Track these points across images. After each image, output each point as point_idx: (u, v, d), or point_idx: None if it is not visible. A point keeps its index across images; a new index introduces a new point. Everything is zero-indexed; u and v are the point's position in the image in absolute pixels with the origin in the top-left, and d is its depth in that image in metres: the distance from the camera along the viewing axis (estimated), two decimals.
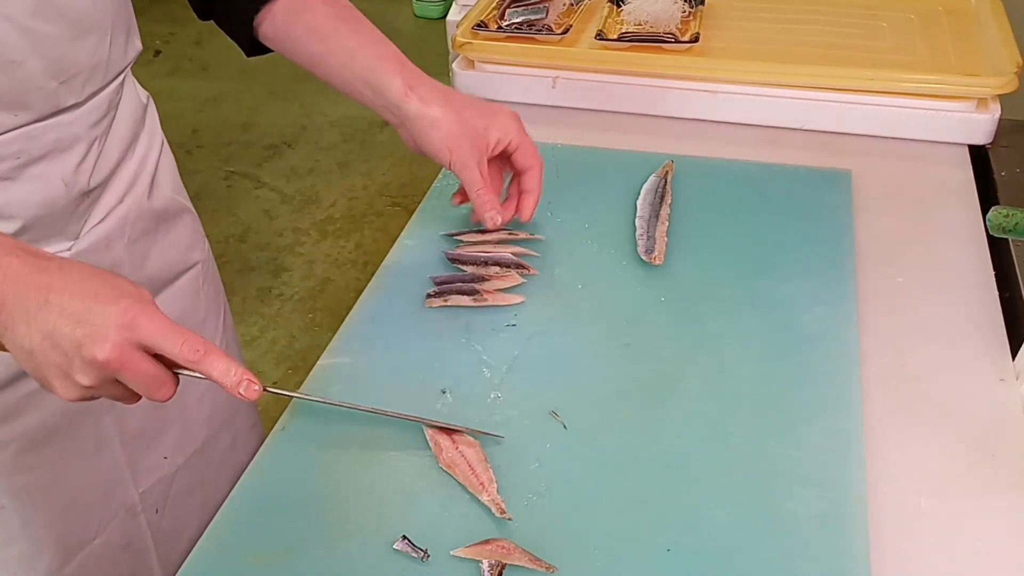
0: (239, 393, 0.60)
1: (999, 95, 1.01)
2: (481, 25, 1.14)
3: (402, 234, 0.91)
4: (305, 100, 3.12)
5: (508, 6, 1.17)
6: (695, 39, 1.10)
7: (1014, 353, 0.76)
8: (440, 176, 1.00)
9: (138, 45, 0.80)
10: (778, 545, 0.61)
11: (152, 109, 0.88)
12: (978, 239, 0.90)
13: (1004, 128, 1.02)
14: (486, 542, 0.61)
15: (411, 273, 0.86)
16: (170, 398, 0.60)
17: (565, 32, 1.13)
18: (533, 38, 1.13)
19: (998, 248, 0.88)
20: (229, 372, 0.60)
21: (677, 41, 1.10)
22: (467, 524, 0.63)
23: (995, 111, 1.01)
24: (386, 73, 0.81)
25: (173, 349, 0.58)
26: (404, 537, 0.61)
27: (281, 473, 0.68)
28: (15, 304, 0.57)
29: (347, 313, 0.82)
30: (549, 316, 0.80)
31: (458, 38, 1.12)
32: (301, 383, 0.76)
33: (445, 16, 1.33)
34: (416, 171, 2.78)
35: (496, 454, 0.68)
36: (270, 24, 0.83)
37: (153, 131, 0.88)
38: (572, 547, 0.61)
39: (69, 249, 0.76)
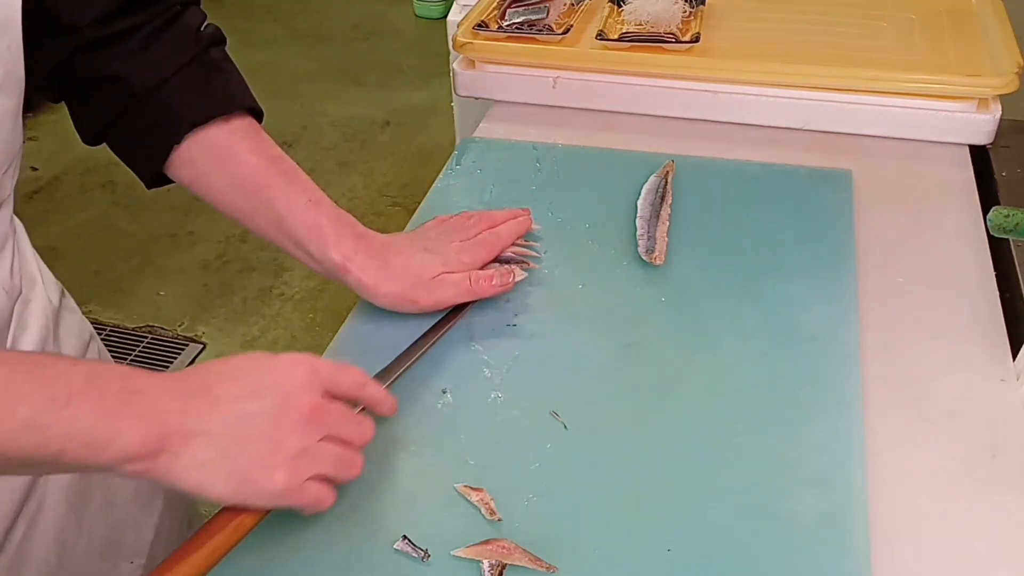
0: (387, 412, 0.64)
1: (1000, 95, 1.01)
2: (481, 25, 1.14)
3: None
4: (305, 100, 3.12)
5: (508, 6, 1.17)
6: (696, 39, 1.10)
7: (1014, 353, 0.76)
8: (440, 176, 1.00)
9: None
10: (778, 545, 0.61)
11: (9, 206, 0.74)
12: (978, 239, 0.89)
13: (1005, 128, 1.02)
14: (486, 542, 0.61)
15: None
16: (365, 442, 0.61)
17: (566, 32, 1.13)
18: (534, 38, 1.13)
19: (998, 248, 0.88)
20: (384, 400, 0.64)
21: (678, 41, 1.10)
22: (467, 524, 0.63)
23: (996, 111, 1.01)
24: (320, 244, 0.73)
25: (345, 379, 0.59)
26: (404, 537, 0.61)
27: None
28: (183, 419, 0.52)
29: (347, 313, 0.82)
30: (549, 316, 0.80)
31: (458, 38, 1.12)
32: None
33: (445, 16, 1.33)
34: (416, 171, 2.78)
35: (496, 454, 0.68)
36: (187, 169, 0.73)
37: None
38: (572, 547, 0.61)
39: None
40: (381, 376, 0.71)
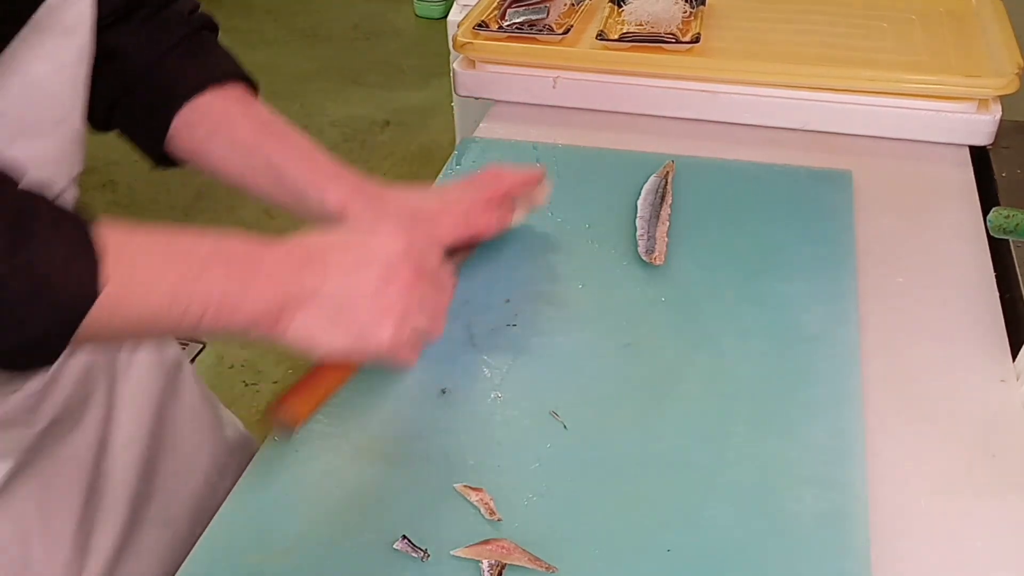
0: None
1: (1000, 96, 1.01)
2: (482, 25, 1.14)
3: None
4: (306, 100, 3.12)
5: (509, 6, 1.17)
6: (696, 39, 1.10)
7: (1014, 353, 0.76)
8: (440, 176, 1.00)
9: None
10: (778, 545, 0.61)
11: None
12: (978, 239, 0.90)
13: (1005, 129, 1.02)
14: (486, 542, 0.61)
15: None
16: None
17: (566, 32, 1.13)
18: (534, 38, 1.13)
19: (998, 248, 0.88)
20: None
21: (678, 41, 1.10)
22: (467, 524, 0.63)
23: (996, 112, 1.01)
24: (318, 190, 0.75)
25: (434, 256, 0.65)
26: (404, 537, 0.61)
27: (281, 473, 0.68)
28: (304, 280, 0.58)
29: None
30: (549, 316, 0.80)
31: (459, 38, 1.12)
32: None
33: (446, 16, 1.33)
34: (416, 171, 2.78)
35: (496, 454, 0.68)
36: (187, 138, 0.75)
37: None
38: (572, 547, 0.61)
39: None
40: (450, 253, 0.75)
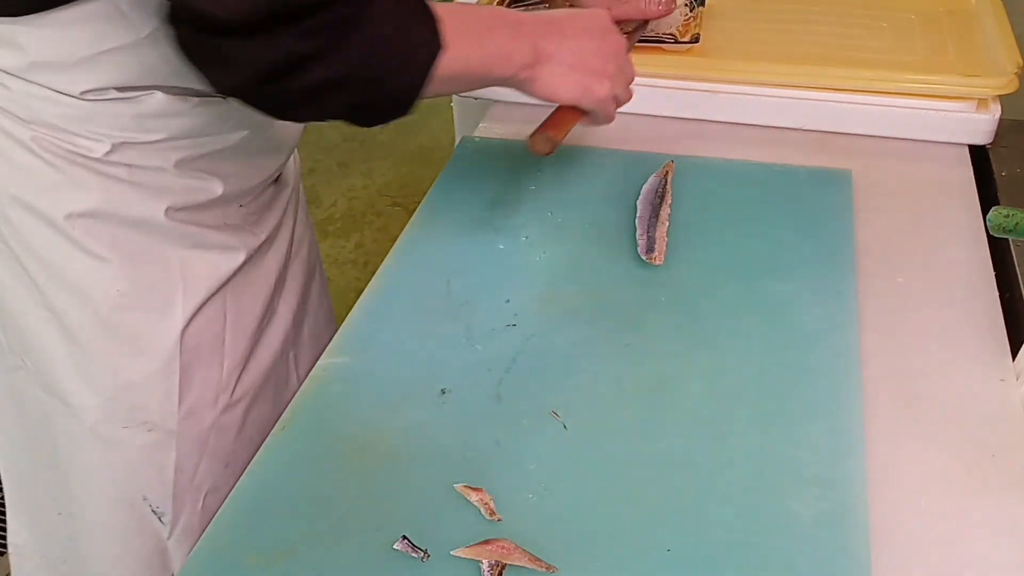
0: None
1: (999, 95, 1.01)
2: None
3: (402, 234, 0.91)
4: None
5: (508, 6, 1.17)
6: (695, 39, 1.10)
7: (1014, 353, 0.76)
8: (440, 177, 1.00)
9: None
10: (778, 545, 0.61)
11: None
12: (978, 239, 0.89)
13: (1004, 128, 1.02)
14: (486, 542, 0.61)
15: (411, 273, 0.86)
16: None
17: None
18: None
19: (998, 248, 0.88)
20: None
21: (677, 41, 1.10)
22: (467, 524, 0.63)
23: (995, 111, 1.01)
24: None
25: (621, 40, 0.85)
26: (404, 537, 0.61)
27: (281, 473, 0.68)
28: (544, 47, 0.77)
29: (347, 313, 0.82)
30: (549, 316, 0.80)
31: None
32: (308, 370, 0.76)
33: None
34: (416, 171, 2.78)
35: (496, 454, 0.68)
36: None
37: None
38: (572, 547, 0.61)
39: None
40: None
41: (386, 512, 0.64)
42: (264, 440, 0.71)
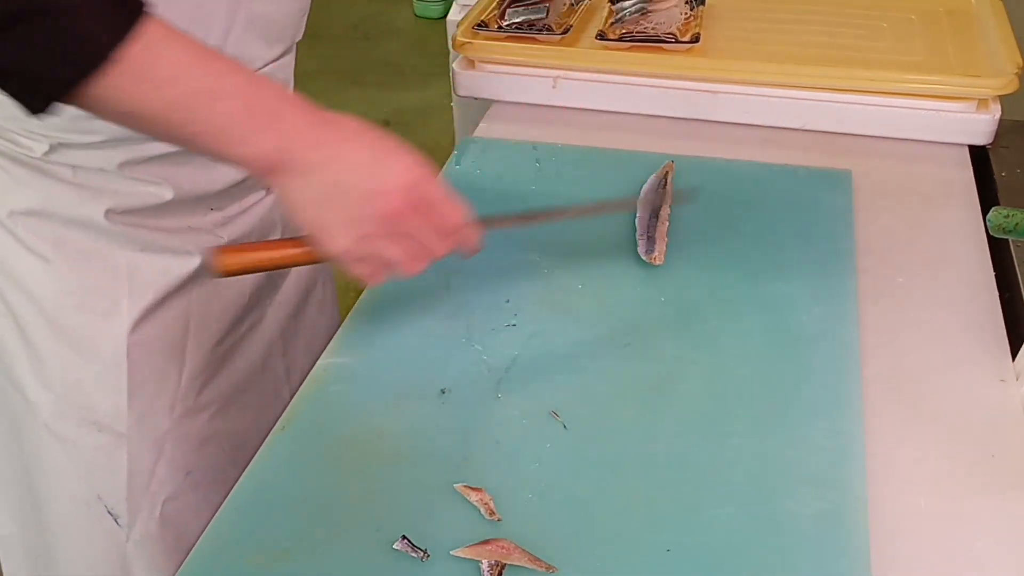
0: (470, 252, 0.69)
1: (999, 96, 1.01)
2: (481, 25, 1.14)
3: None
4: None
5: (508, 6, 1.17)
6: (695, 39, 1.10)
7: (1014, 353, 0.76)
8: (440, 176, 1.00)
9: None
10: (778, 545, 0.61)
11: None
12: (978, 239, 0.90)
13: (1004, 128, 1.02)
14: (486, 542, 0.61)
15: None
16: (423, 268, 0.65)
17: (565, 32, 1.12)
18: (533, 38, 1.13)
19: (998, 248, 0.88)
20: (472, 241, 0.67)
21: (677, 41, 1.10)
22: (467, 524, 0.63)
23: (995, 111, 1.01)
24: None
25: (445, 211, 0.63)
26: (404, 537, 0.61)
27: (281, 473, 0.68)
28: (299, 158, 0.59)
29: (347, 313, 0.82)
30: (549, 316, 0.80)
31: (458, 38, 1.12)
32: (301, 382, 0.76)
33: (445, 16, 1.33)
34: None
35: (496, 454, 0.68)
36: None
37: None
38: (572, 547, 0.61)
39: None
40: (487, 220, 0.71)
41: (386, 512, 0.64)
42: (245, 452, 0.69)
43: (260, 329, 0.87)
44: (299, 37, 0.79)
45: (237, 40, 0.71)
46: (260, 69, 0.75)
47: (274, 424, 0.86)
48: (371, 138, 0.62)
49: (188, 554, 0.62)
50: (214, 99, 0.56)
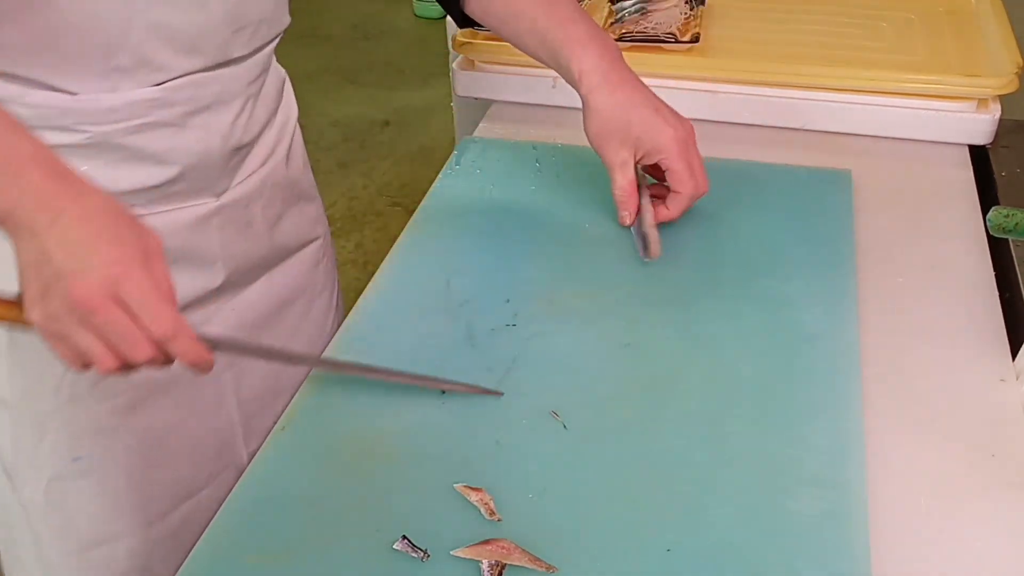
0: (196, 370, 0.62)
1: (999, 95, 1.01)
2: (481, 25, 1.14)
3: (402, 234, 0.91)
4: (305, 100, 3.10)
5: None
6: (695, 39, 1.10)
7: (1014, 353, 0.76)
8: (440, 176, 1.00)
9: (288, 17, 0.83)
10: (778, 545, 0.61)
11: (288, 87, 0.93)
12: (978, 239, 0.90)
13: (1004, 128, 1.02)
14: (486, 542, 0.61)
15: (411, 273, 0.86)
16: (143, 360, 0.59)
17: None
18: None
19: (998, 248, 0.88)
20: (187, 354, 0.60)
21: (677, 41, 1.10)
22: (467, 524, 0.63)
23: (995, 111, 1.01)
24: (567, 58, 0.83)
25: (145, 319, 0.58)
26: (404, 537, 0.61)
27: (281, 473, 0.68)
28: (26, 217, 0.57)
29: (347, 313, 0.82)
30: (549, 316, 0.80)
31: (458, 38, 1.12)
32: (301, 382, 0.76)
33: (445, 16, 1.33)
34: (416, 171, 2.78)
35: (496, 454, 0.68)
36: (476, 2, 0.88)
37: (289, 106, 0.92)
38: (572, 547, 0.61)
39: (216, 201, 0.80)
40: (217, 341, 0.65)
41: (386, 512, 0.64)
42: (164, 451, 0.68)
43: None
44: (238, 53, 0.76)
45: (138, 46, 0.69)
46: (178, 79, 0.72)
47: (212, 430, 0.87)
48: (100, 217, 0.59)
49: (74, 538, 0.61)
50: None
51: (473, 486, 0.65)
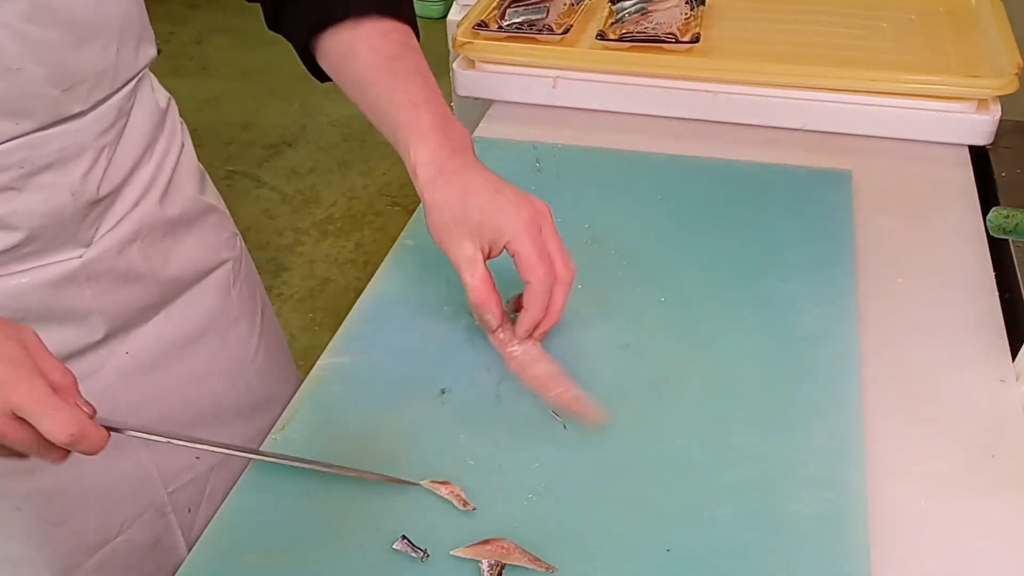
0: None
1: (999, 96, 1.01)
2: (481, 25, 1.14)
3: (402, 234, 0.91)
4: (305, 100, 3.12)
5: (508, 6, 1.17)
6: (695, 39, 1.10)
7: (1014, 353, 0.76)
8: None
9: (152, 52, 0.78)
10: (778, 545, 0.61)
11: (173, 111, 0.86)
12: (978, 239, 0.90)
13: (1004, 129, 1.02)
14: (486, 542, 0.61)
15: (411, 273, 0.86)
16: (62, 460, 0.57)
17: (565, 32, 1.13)
18: (533, 38, 1.13)
19: (998, 248, 0.88)
20: (96, 450, 0.57)
21: (677, 41, 1.10)
22: (467, 524, 0.63)
23: (995, 112, 1.01)
24: (404, 147, 0.75)
25: (45, 427, 0.55)
26: (404, 537, 0.61)
27: (281, 473, 0.68)
28: None
29: (347, 313, 0.82)
30: None
31: (458, 38, 1.12)
32: (301, 382, 0.76)
33: (445, 16, 1.33)
34: None
35: (496, 454, 0.68)
36: (325, 61, 0.81)
37: (172, 135, 0.85)
38: (572, 547, 0.61)
39: (80, 256, 0.74)
40: (140, 429, 0.63)
41: (386, 512, 0.64)
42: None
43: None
44: (76, 108, 0.70)
45: None
46: (8, 142, 0.67)
47: (119, 477, 0.83)
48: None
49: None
50: None
51: (440, 480, 0.65)
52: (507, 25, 1.14)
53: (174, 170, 0.84)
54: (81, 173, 0.72)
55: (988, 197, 0.96)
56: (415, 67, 0.78)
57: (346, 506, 0.65)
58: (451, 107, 1.39)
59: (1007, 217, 0.74)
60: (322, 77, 0.83)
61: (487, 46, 1.12)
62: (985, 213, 0.87)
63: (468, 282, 0.72)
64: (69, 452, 0.58)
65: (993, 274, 0.85)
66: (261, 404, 0.93)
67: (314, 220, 2.59)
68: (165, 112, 0.84)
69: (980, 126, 1.02)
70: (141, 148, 0.79)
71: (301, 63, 0.84)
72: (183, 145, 0.87)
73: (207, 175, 0.91)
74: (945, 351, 0.77)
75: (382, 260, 0.88)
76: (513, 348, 0.72)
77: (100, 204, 0.75)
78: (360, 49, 0.78)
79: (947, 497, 0.66)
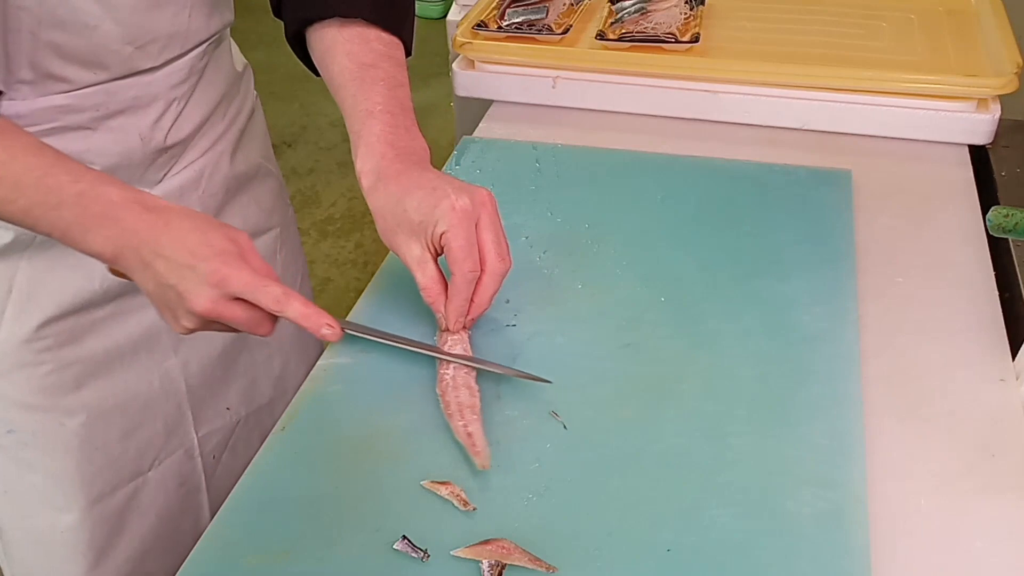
0: (320, 335, 0.68)
1: (999, 95, 1.01)
2: (481, 25, 1.14)
3: None
4: (305, 100, 3.12)
5: (508, 6, 1.17)
6: (695, 39, 1.10)
7: (1014, 353, 0.76)
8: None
9: (228, 18, 0.85)
10: (778, 545, 0.61)
11: (248, 77, 0.95)
12: (978, 239, 0.90)
13: (1004, 128, 1.02)
14: (486, 542, 0.61)
15: (411, 274, 0.86)
16: (270, 333, 0.69)
17: (565, 32, 1.13)
18: (533, 38, 1.13)
19: (998, 248, 0.88)
20: (309, 316, 0.67)
21: (677, 41, 1.10)
22: (467, 524, 0.63)
23: (995, 111, 1.01)
24: (355, 154, 0.76)
25: (260, 300, 0.66)
26: (404, 537, 0.61)
27: (281, 473, 0.68)
28: (132, 256, 0.66)
29: (347, 313, 0.82)
30: (549, 316, 0.80)
31: (458, 38, 1.12)
32: (301, 382, 0.76)
33: (445, 16, 1.33)
34: None
35: (496, 454, 0.68)
36: (313, 55, 0.84)
37: (245, 99, 0.94)
38: (572, 547, 0.61)
39: (149, 190, 0.80)
40: (347, 324, 0.73)
41: (386, 512, 0.64)
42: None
43: (126, 320, 0.87)
44: (147, 64, 0.78)
45: (40, 63, 0.73)
46: (86, 88, 0.76)
47: (158, 413, 0.90)
48: (192, 235, 0.66)
49: (16, 507, 0.63)
50: (49, 209, 0.66)
51: (440, 480, 0.65)
52: (507, 25, 1.14)
53: (243, 131, 0.92)
54: (152, 120, 0.81)
55: (988, 196, 0.96)
56: (385, 77, 0.80)
57: (346, 506, 0.65)
58: (453, 108, 1.40)
59: (1007, 216, 0.73)
60: (316, 70, 0.86)
61: (487, 46, 1.12)
62: (985, 212, 0.87)
63: (420, 280, 0.74)
64: (276, 323, 0.69)
65: (993, 274, 0.85)
66: (291, 367, 1.04)
67: (314, 220, 2.58)
68: (241, 76, 0.92)
69: (980, 125, 1.02)
70: (212, 104, 0.87)
71: (301, 63, 0.85)
72: (253, 111, 0.95)
73: (271, 145, 0.99)
74: (945, 351, 0.77)
75: (382, 260, 0.88)
76: (446, 371, 0.73)
77: (168, 152, 0.84)
78: (338, 52, 0.80)
79: (947, 497, 0.66)
